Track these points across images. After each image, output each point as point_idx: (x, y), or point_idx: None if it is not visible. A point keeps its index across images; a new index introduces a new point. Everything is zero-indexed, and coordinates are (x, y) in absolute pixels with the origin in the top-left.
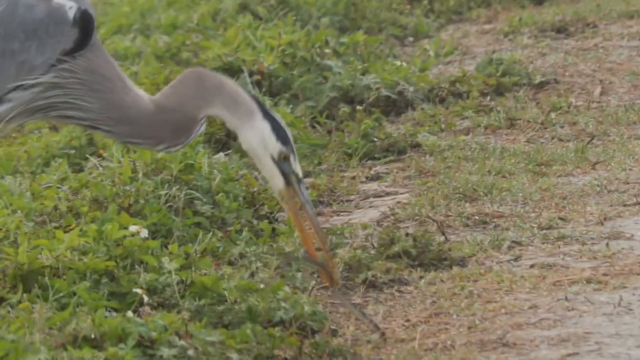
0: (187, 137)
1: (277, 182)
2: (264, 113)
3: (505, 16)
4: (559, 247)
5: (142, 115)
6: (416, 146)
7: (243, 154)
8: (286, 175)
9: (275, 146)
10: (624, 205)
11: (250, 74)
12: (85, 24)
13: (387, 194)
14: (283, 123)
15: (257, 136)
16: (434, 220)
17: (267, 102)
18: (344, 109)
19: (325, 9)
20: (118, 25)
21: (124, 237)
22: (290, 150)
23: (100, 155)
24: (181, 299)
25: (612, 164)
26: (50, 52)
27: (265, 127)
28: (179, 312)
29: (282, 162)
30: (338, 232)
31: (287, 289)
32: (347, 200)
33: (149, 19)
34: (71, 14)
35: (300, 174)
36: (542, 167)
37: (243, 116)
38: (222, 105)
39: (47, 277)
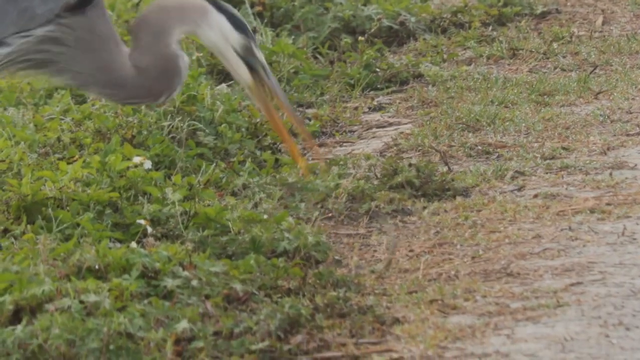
0: (178, 76)
1: (242, 73)
2: (217, 7)
3: None
4: (562, 177)
5: (130, 77)
6: (418, 76)
7: None
8: (251, 65)
9: (236, 38)
10: (627, 135)
11: (252, 5)
12: None
13: (390, 124)
14: (238, 13)
15: (215, 31)
16: (437, 151)
17: (269, 33)
18: (346, 39)
19: None
20: None
21: (128, 168)
22: (251, 38)
23: None
24: (185, 229)
25: (615, 94)
26: (53, 3)
27: (221, 20)
28: (182, 243)
29: (245, 52)
30: (341, 162)
31: (290, 219)
32: (350, 131)
33: None
34: None
35: (264, 62)
36: (545, 97)
37: (198, 18)
38: (178, 24)
39: (50, 209)
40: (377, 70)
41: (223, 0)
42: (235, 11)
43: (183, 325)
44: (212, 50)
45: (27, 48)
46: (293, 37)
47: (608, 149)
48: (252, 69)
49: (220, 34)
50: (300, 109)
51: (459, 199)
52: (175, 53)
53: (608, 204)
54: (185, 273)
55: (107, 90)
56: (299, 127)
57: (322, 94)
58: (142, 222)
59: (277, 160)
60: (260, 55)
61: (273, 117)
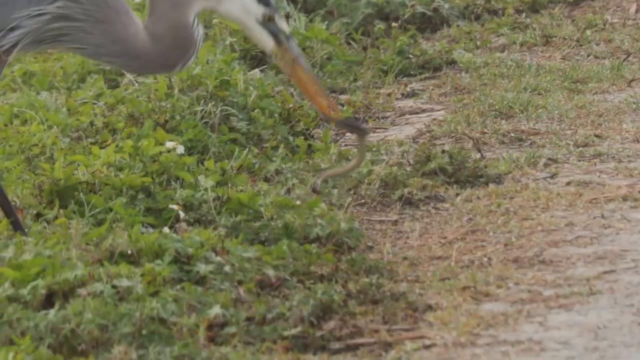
0: (194, 46)
1: (266, 43)
2: None
3: None
4: (595, 164)
5: (144, 48)
6: (452, 63)
7: (279, 70)
8: (275, 35)
9: (258, 9)
10: None
11: None
12: None
13: (423, 110)
14: None
15: (237, 4)
16: (469, 137)
17: (302, 19)
18: (379, 25)
19: None
20: None
21: (160, 153)
22: (274, 9)
23: None
24: (217, 215)
25: None
26: None
27: None
28: (215, 229)
29: (267, 23)
30: (374, 148)
31: (323, 205)
32: (383, 117)
33: None
34: None
35: (288, 31)
36: (578, 84)
37: None
38: None
39: (83, 193)
40: (410, 56)
41: None
42: None
43: (215, 310)
44: (233, 21)
45: (39, 27)
46: (326, 22)
47: None
48: (275, 36)
49: (241, 7)
50: (334, 94)
51: (491, 186)
52: (190, 23)
53: None
54: (218, 258)
55: (120, 61)
56: (321, 93)
57: (355, 80)
58: (175, 207)
59: (310, 146)
60: (284, 25)
61: (300, 80)
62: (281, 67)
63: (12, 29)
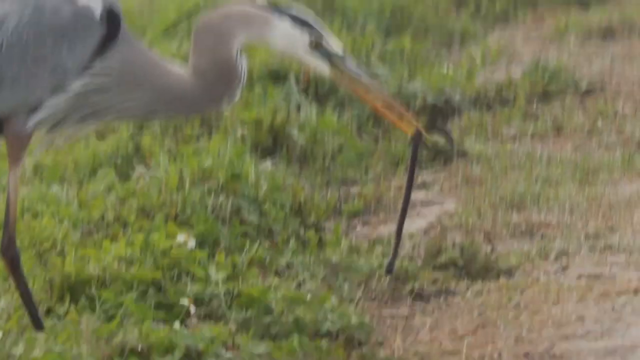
0: (238, 78)
1: (322, 70)
2: (279, 13)
3: (551, 19)
4: (607, 257)
5: (189, 89)
6: (463, 154)
7: (290, 161)
8: (328, 58)
9: (302, 36)
10: None
11: (297, 81)
12: (111, 20)
13: (434, 202)
14: (300, 12)
15: (282, 37)
16: (481, 230)
17: (313, 109)
18: None
19: (371, 13)
20: (165, 29)
21: (171, 247)
22: (318, 34)
23: (147, 164)
24: (228, 310)
25: None
26: (81, 52)
27: (284, 25)
28: (226, 324)
29: (316, 49)
30: (385, 241)
31: (334, 299)
32: (395, 210)
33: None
34: (97, 14)
35: (340, 51)
36: (589, 175)
37: (263, 26)
38: (243, 29)
39: (94, 288)
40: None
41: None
42: (296, 12)
43: None
44: (284, 53)
45: (67, 105)
46: (337, 112)
47: None
48: (328, 60)
49: (286, 37)
50: (344, 187)
51: (502, 279)
52: (233, 55)
53: None
54: (229, 354)
55: (170, 112)
56: (390, 107)
57: (366, 172)
58: (186, 302)
59: (320, 239)
60: (333, 46)
61: (364, 99)
62: (344, 88)
63: (35, 109)
